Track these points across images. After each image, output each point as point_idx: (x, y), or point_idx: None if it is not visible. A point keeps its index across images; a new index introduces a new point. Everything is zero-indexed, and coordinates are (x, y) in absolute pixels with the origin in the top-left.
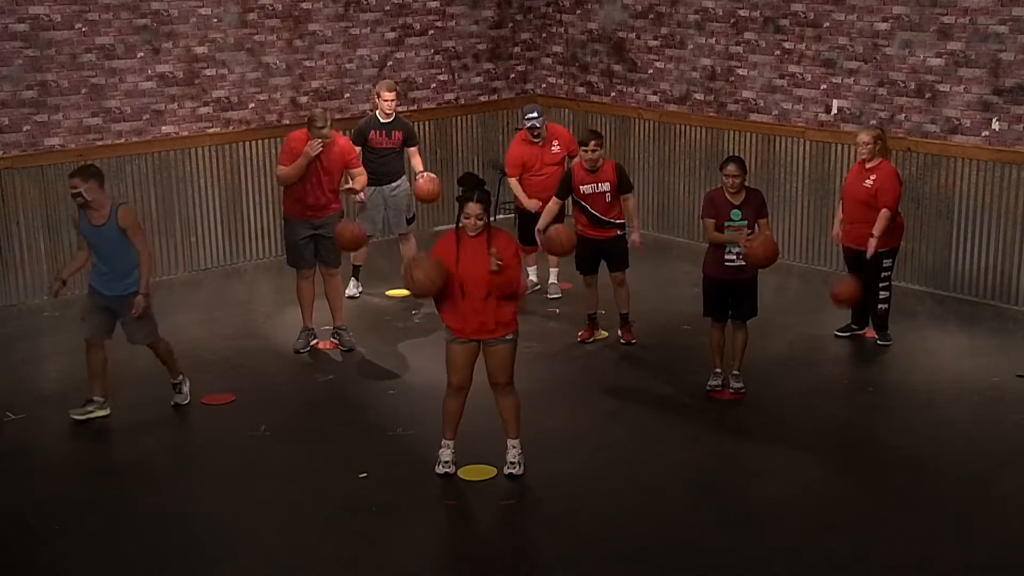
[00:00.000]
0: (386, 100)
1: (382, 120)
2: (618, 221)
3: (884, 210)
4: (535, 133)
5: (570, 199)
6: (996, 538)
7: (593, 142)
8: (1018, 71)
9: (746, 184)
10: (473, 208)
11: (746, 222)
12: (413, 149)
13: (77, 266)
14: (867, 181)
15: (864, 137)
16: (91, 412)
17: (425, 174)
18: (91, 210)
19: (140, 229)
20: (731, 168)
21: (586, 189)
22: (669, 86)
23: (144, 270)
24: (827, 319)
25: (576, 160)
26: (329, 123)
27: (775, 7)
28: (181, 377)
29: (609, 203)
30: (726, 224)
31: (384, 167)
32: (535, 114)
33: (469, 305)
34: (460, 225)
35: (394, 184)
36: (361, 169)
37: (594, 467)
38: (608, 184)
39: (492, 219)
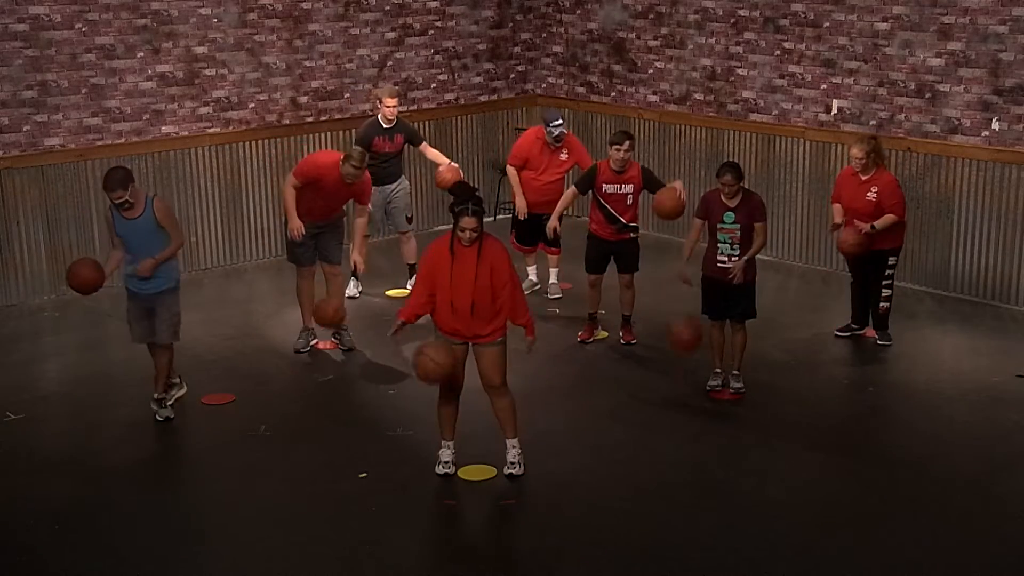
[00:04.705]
0: (388, 106)
1: (385, 125)
2: (633, 224)
3: (891, 215)
4: (557, 139)
5: (589, 195)
6: (996, 538)
7: (627, 142)
8: (1018, 71)
9: (744, 187)
10: (468, 222)
11: (738, 225)
12: (424, 146)
13: (114, 265)
14: (869, 194)
15: (856, 152)
16: (174, 395)
17: (450, 164)
18: (128, 207)
19: (175, 220)
20: (728, 178)
21: (609, 188)
22: (669, 86)
23: (169, 250)
24: (827, 319)
25: (604, 159)
26: (364, 164)
27: (775, 7)
28: (166, 395)
29: (629, 205)
30: (718, 225)
31: (386, 170)
32: (559, 121)
33: (460, 313)
34: (455, 236)
35: (394, 184)
36: (365, 210)
37: (594, 467)
38: (632, 186)
39: (492, 217)
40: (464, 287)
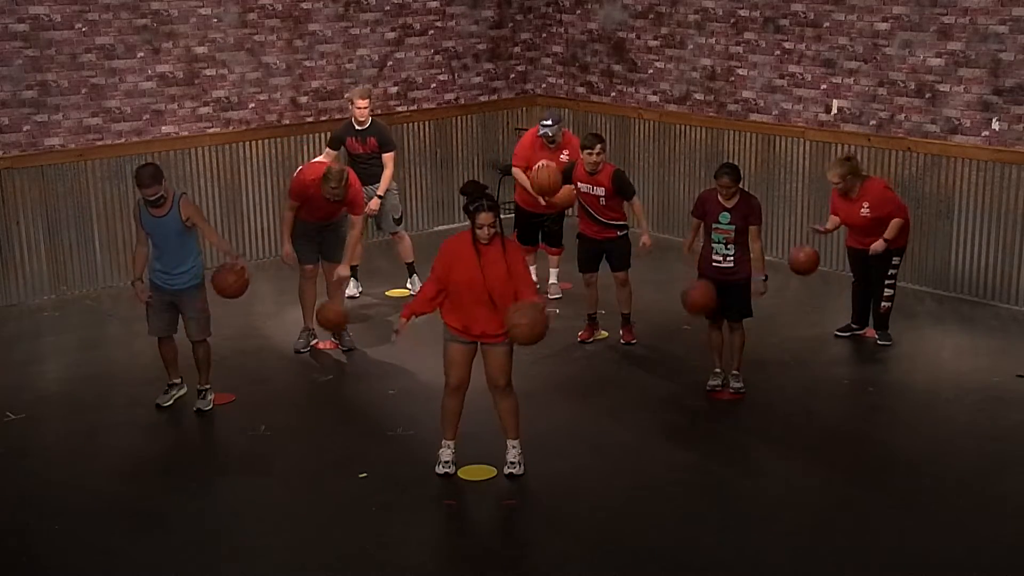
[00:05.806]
0: (359, 108)
1: (357, 127)
2: (617, 222)
3: (896, 220)
4: (549, 140)
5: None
6: (996, 538)
7: (599, 146)
8: (1018, 71)
9: (743, 189)
10: (485, 218)
11: (734, 226)
12: (387, 156)
13: (143, 262)
14: (862, 211)
15: (832, 178)
16: (174, 395)
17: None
18: (160, 204)
19: (203, 214)
20: (725, 180)
21: (583, 187)
22: (669, 86)
23: (223, 244)
24: (827, 319)
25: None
26: (344, 183)
27: (775, 7)
28: (209, 386)
29: (604, 206)
30: (714, 225)
31: (366, 171)
32: (549, 122)
33: (486, 310)
34: (475, 235)
35: (378, 185)
36: (358, 221)
37: (594, 467)
38: (603, 189)
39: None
40: (497, 284)
